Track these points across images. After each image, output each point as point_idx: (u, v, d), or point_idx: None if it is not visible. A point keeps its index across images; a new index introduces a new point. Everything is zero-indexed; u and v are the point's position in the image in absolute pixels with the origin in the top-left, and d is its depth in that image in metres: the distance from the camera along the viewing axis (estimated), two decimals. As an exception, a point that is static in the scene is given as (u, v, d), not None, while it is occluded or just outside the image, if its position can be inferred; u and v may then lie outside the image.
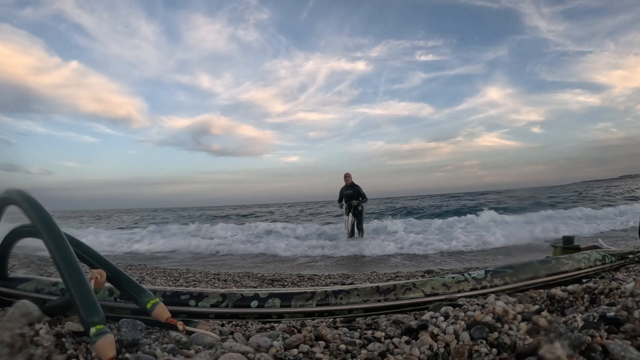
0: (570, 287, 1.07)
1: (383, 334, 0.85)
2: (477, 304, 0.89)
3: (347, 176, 7.65)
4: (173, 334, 0.78)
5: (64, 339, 0.68)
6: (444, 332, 0.77)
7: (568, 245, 2.21)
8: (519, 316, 0.81)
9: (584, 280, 1.41)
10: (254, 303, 0.99)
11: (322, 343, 0.81)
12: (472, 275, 1.18)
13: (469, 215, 9.80)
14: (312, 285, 2.31)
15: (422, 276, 2.55)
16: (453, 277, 1.16)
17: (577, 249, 2.03)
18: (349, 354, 0.76)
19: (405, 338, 0.80)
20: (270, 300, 1.00)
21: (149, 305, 0.77)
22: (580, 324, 0.74)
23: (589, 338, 0.66)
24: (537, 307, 0.90)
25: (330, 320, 1.09)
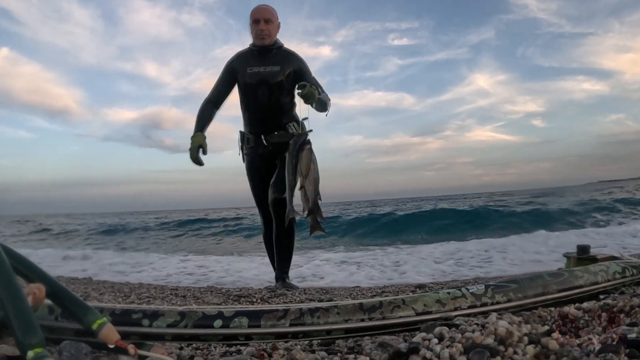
0: (585, 305, 1.03)
1: (367, 358, 0.82)
2: (477, 324, 0.85)
3: (263, 11, 2.38)
4: (123, 358, 0.73)
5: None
6: (438, 357, 0.73)
7: (583, 255, 2.12)
8: (526, 338, 0.76)
9: (601, 297, 1.34)
10: (218, 322, 0.95)
11: (295, 369, 0.75)
12: (470, 291, 1.12)
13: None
14: (285, 302, 2.21)
15: (413, 291, 2.43)
16: (448, 293, 1.10)
17: (594, 260, 1.94)
18: (325, 383, 0.71)
19: (391, 364, 0.76)
20: (236, 319, 0.96)
21: (95, 326, 0.73)
22: (597, 347, 0.71)
23: (608, 365, 0.60)
24: (546, 327, 0.88)
25: (306, 342, 1.05)
